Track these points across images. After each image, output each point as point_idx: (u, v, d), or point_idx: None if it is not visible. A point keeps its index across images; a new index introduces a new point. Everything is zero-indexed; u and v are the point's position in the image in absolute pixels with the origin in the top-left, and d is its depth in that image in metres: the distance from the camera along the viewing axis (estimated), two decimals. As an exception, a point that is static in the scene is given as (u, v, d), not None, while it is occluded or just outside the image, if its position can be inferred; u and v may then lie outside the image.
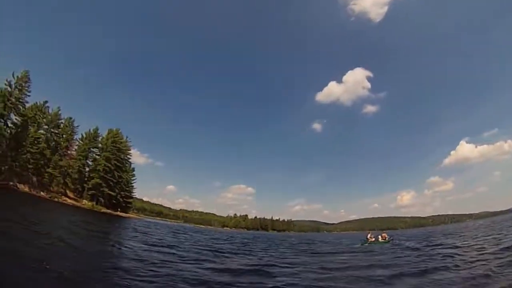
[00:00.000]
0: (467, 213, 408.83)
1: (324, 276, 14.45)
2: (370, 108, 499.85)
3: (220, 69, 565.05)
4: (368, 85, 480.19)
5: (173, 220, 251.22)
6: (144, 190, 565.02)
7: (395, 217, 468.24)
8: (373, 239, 43.18)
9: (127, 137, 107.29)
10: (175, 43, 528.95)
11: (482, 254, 19.52)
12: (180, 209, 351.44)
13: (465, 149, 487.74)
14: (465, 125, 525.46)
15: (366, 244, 39.93)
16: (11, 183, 70.53)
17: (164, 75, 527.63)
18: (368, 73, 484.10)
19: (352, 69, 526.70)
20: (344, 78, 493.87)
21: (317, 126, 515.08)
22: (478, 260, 16.88)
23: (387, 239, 43.37)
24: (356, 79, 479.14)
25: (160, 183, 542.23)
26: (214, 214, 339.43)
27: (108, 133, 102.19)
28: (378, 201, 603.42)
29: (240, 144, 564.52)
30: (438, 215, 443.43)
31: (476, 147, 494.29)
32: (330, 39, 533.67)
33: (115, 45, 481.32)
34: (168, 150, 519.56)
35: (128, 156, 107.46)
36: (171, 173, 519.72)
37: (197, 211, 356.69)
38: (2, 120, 71.15)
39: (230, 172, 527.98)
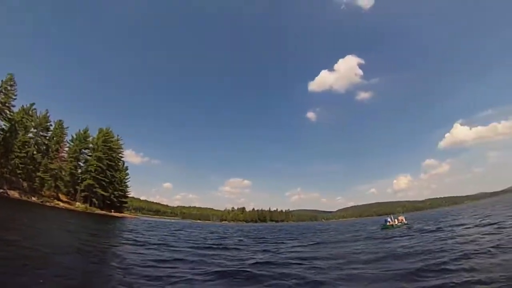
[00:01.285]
0: (465, 195, 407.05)
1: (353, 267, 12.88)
2: (364, 95, 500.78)
3: (213, 62, 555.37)
4: (360, 72, 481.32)
5: (171, 217, 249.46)
6: (141, 189, 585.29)
7: (392, 202, 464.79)
8: (391, 223, 42.03)
9: (118, 136, 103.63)
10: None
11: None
12: (178, 206, 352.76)
13: (460, 131, 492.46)
14: (458, 107, 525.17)
15: (383, 230, 37.15)
16: (1, 190, 66.89)
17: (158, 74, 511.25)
18: (360, 60, 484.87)
19: (343, 57, 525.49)
20: (336, 66, 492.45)
21: (311, 115, 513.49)
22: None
23: (404, 221, 43.11)
24: (348, 67, 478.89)
25: (156, 181, 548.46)
26: (212, 209, 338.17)
27: (99, 133, 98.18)
28: (375, 186, 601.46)
29: (235, 138, 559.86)
30: (436, 198, 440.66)
31: (470, 129, 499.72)
32: (321, 28, 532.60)
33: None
34: (163, 148, 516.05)
35: (120, 154, 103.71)
36: (167, 171, 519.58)
37: (195, 207, 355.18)
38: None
39: (226, 166, 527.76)
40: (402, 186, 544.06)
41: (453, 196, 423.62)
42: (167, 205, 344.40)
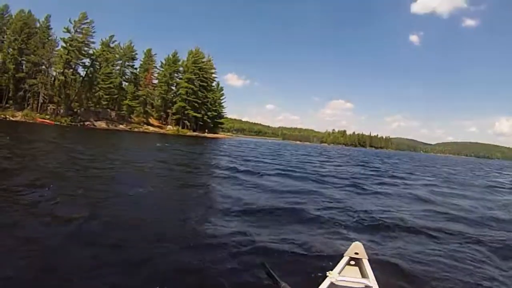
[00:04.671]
0: None
1: None
2: (469, 22, 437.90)
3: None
4: None
5: (272, 138, 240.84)
6: (244, 111, 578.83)
7: (492, 145, 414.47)
8: None
9: (209, 55, 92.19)
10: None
11: None
12: (279, 127, 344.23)
13: None
14: None
15: None
16: (87, 122, 64.90)
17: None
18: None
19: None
20: None
21: (414, 38, 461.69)
22: None
23: None
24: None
25: (259, 102, 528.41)
26: (313, 130, 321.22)
27: (189, 54, 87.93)
28: (475, 124, 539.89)
29: (336, 59, 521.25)
30: None
31: None
32: None
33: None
34: (265, 70, 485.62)
35: (214, 75, 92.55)
36: (269, 92, 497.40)
37: (296, 128, 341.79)
38: (69, 66, 65.88)
39: (328, 87, 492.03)
40: (505, 130, 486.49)
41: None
42: (268, 126, 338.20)
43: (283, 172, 15.72)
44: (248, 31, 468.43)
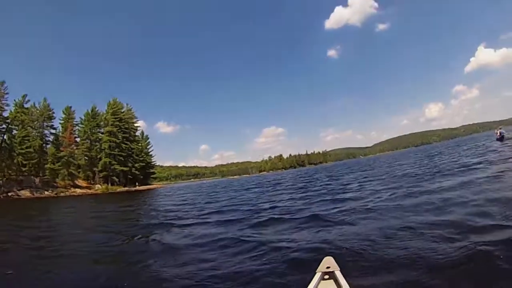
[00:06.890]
0: (497, 119, 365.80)
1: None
2: (382, 26, 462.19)
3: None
4: (375, 3, 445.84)
5: (210, 178, 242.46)
6: (179, 157, 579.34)
7: (426, 131, 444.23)
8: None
9: (127, 104, 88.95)
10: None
11: None
12: (216, 165, 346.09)
13: (484, 54, 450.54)
14: (480, 30, 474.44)
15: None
16: (11, 193, 58.81)
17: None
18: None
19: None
20: (350, 0, 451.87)
21: (332, 53, 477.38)
22: None
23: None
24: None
25: (192, 145, 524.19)
26: (250, 162, 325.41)
27: (108, 106, 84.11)
28: (406, 117, 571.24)
29: (261, 88, 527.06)
30: (469, 124, 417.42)
31: (495, 51, 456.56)
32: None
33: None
34: (193, 112, 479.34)
35: (135, 124, 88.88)
36: (201, 133, 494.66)
37: (233, 163, 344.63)
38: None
39: (257, 117, 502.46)
40: (434, 114, 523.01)
41: (486, 122, 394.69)
42: (205, 167, 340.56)
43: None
44: (167, 78, 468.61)
